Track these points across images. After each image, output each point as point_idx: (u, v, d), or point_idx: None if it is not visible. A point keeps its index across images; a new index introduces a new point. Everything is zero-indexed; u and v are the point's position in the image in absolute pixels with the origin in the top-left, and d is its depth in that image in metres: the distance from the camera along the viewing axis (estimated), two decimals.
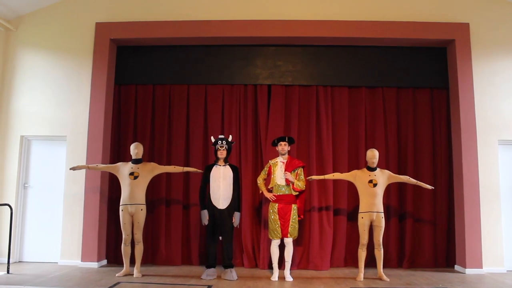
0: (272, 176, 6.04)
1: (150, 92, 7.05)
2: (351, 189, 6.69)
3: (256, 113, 6.98)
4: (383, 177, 5.95)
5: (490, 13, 6.82)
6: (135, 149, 6.09)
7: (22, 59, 6.97)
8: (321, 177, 6.20)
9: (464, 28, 6.73)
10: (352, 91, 7.01)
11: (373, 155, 5.97)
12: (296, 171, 5.99)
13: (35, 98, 6.86)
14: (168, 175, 6.87)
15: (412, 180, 6.08)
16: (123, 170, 6.04)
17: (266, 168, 6.15)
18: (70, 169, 6.22)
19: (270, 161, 6.15)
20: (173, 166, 6.44)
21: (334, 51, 7.01)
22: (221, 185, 5.91)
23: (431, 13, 6.81)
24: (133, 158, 6.09)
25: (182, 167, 6.30)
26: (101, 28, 6.85)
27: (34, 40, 6.99)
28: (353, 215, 6.47)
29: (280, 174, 5.95)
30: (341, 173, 6.31)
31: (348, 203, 6.71)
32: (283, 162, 6.00)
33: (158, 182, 6.83)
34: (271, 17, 6.81)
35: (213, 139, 6.10)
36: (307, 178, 6.22)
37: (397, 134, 6.95)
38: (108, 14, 6.93)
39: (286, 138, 6.07)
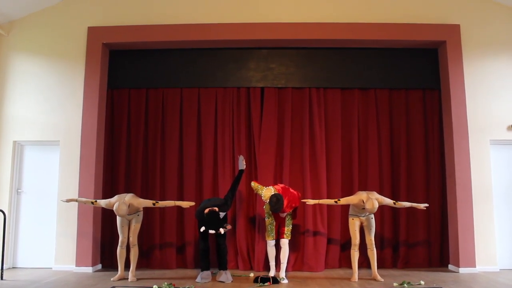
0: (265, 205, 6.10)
1: (143, 96, 7.04)
2: (345, 191, 6.73)
3: (249, 116, 6.99)
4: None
5: (480, 14, 6.88)
6: (117, 213, 5.76)
7: (14, 64, 6.95)
8: (316, 201, 6.09)
9: (455, 29, 6.79)
10: (345, 92, 7.05)
11: (372, 210, 5.73)
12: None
13: (27, 103, 6.83)
14: (162, 177, 6.88)
15: (407, 204, 6.04)
16: None
17: (261, 193, 6.07)
18: (62, 200, 6.23)
19: (263, 197, 5.98)
20: (164, 202, 6.02)
21: (327, 53, 7.04)
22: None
23: (422, 15, 6.86)
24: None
25: (173, 202, 6.06)
26: (93, 32, 6.85)
27: (26, 45, 6.96)
28: (346, 216, 6.46)
29: None
30: (335, 200, 6.01)
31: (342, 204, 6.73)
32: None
33: (152, 185, 6.84)
34: (264, 19, 6.83)
35: (202, 229, 5.72)
36: (302, 200, 6.24)
37: (390, 135, 6.99)
38: (100, 18, 6.92)
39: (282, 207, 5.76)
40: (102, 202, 6.02)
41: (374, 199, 5.77)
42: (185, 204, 6.10)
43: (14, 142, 6.82)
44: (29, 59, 6.94)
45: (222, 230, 5.64)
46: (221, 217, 5.84)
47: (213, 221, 5.63)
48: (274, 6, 6.92)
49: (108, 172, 6.92)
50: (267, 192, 5.95)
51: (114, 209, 5.77)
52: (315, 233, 6.62)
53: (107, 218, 6.69)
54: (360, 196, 5.88)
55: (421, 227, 6.76)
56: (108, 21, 6.90)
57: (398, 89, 7.04)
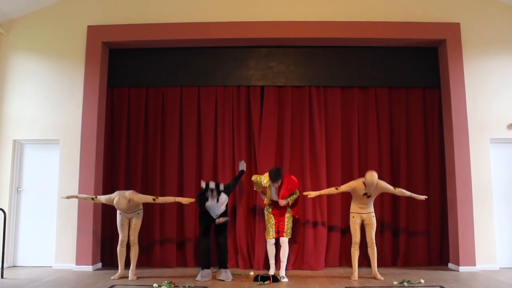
0: (266, 192, 6.08)
1: (143, 94, 7.04)
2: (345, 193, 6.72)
3: (249, 114, 6.99)
4: (377, 190, 5.92)
5: (480, 13, 6.88)
6: (117, 207, 5.81)
7: (13, 63, 6.94)
8: (317, 193, 6.13)
9: (455, 28, 6.78)
10: (345, 91, 7.04)
11: (372, 182, 5.78)
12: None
13: (27, 102, 6.83)
14: (162, 176, 6.88)
15: (406, 193, 6.05)
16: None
17: (260, 180, 6.13)
18: (62, 197, 6.26)
19: (264, 178, 6.07)
20: (164, 198, 6.12)
21: (327, 52, 7.04)
22: (219, 209, 5.88)
23: (423, 13, 6.86)
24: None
25: (173, 198, 6.14)
26: (93, 31, 6.84)
27: (25, 44, 6.96)
28: (347, 215, 6.47)
29: (274, 195, 5.98)
30: (336, 187, 6.10)
31: (342, 203, 6.73)
32: (276, 188, 5.98)
33: (152, 184, 6.84)
34: (263, 18, 6.83)
35: (203, 184, 5.85)
36: (303, 193, 6.25)
37: (389, 133, 6.99)
38: (100, 17, 6.92)
39: (281, 177, 5.88)
40: (102, 198, 6.04)
41: (373, 172, 5.86)
42: (185, 200, 6.13)
43: (14, 141, 6.82)
44: (29, 58, 6.94)
45: (224, 196, 5.80)
46: (223, 207, 5.90)
47: (217, 188, 5.75)
48: (273, 5, 6.91)
49: (108, 171, 6.93)
50: (266, 177, 6.01)
51: (114, 203, 5.80)
52: (315, 232, 6.62)
53: (107, 216, 6.70)
54: (360, 179, 5.95)
55: (421, 225, 6.76)
56: (108, 20, 6.90)
57: (398, 87, 7.04)
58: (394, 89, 7.06)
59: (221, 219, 5.82)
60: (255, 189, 6.39)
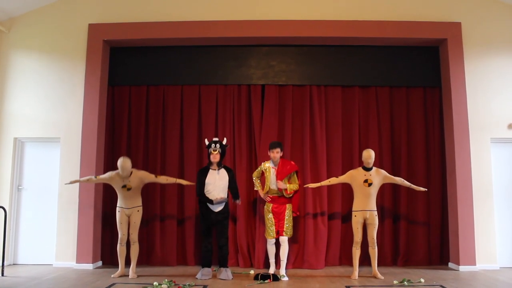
0: (265, 180, 6.09)
1: (144, 93, 7.04)
2: (346, 187, 6.70)
3: (250, 113, 6.99)
4: (378, 177, 5.97)
5: (481, 12, 6.87)
6: (122, 166, 5.87)
7: (14, 61, 6.94)
8: (318, 184, 6.18)
9: (456, 27, 6.78)
10: (346, 90, 7.04)
11: (369, 155, 5.92)
12: (289, 176, 6.04)
13: (28, 100, 6.83)
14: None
15: (406, 183, 6.08)
16: (116, 181, 6.00)
17: (260, 169, 6.21)
18: (65, 184, 6.25)
19: (263, 164, 6.18)
20: (166, 177, 6.24)
21: (328, 51, 7.04)
22: (216, 189, 5.92)
23: (424, 13, 6.86)
24: (121, 173, 5.96)
25: (175, 179, 6.23)
26: (94, 29, 6.84)
27: (26, 42, 6.96)
28: (347, 214, 6.49)
29: (273, 180, 6.01)
30: (336, 176, 6.21)
31: (342, 202, 6.74)
32: (275, 169, 6.01)
33: (153, 183, 6.83)
34: (264, 17, 6.82)
35: (206, 142, 6.08)
36: (304, 186, 6.27)
37: (390, 133, 6.99)
38: (101, 15, 6.92)
39: (280, 146, 6.04)
40: (106, 175, 6.10)
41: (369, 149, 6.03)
42: (186, 182, 6.22)
43: (15, 139, 6.82)
44: (29, 56, 6.94)
45: (225, 175, 5.98)
46: (223, 192, 5.97)
47: (220, 143, 6.01)
48: (274, 4, 6.91)
49: (108, 169, 6.87)
50: (264, 164, 6.14)
51: (118, 164, 5.88)
52: (316, 231, 6.62)
53: (107, 215, 6.70)
54: (359, 167, 6.06)
55: (421, 225, 6.77)
56: (109, 18, 6.90)
57: (399, 86, 7.04)
58: (395, 88, 7.06)
59: (219, 198, 5.85)
60: (255, 188, 6.38)
